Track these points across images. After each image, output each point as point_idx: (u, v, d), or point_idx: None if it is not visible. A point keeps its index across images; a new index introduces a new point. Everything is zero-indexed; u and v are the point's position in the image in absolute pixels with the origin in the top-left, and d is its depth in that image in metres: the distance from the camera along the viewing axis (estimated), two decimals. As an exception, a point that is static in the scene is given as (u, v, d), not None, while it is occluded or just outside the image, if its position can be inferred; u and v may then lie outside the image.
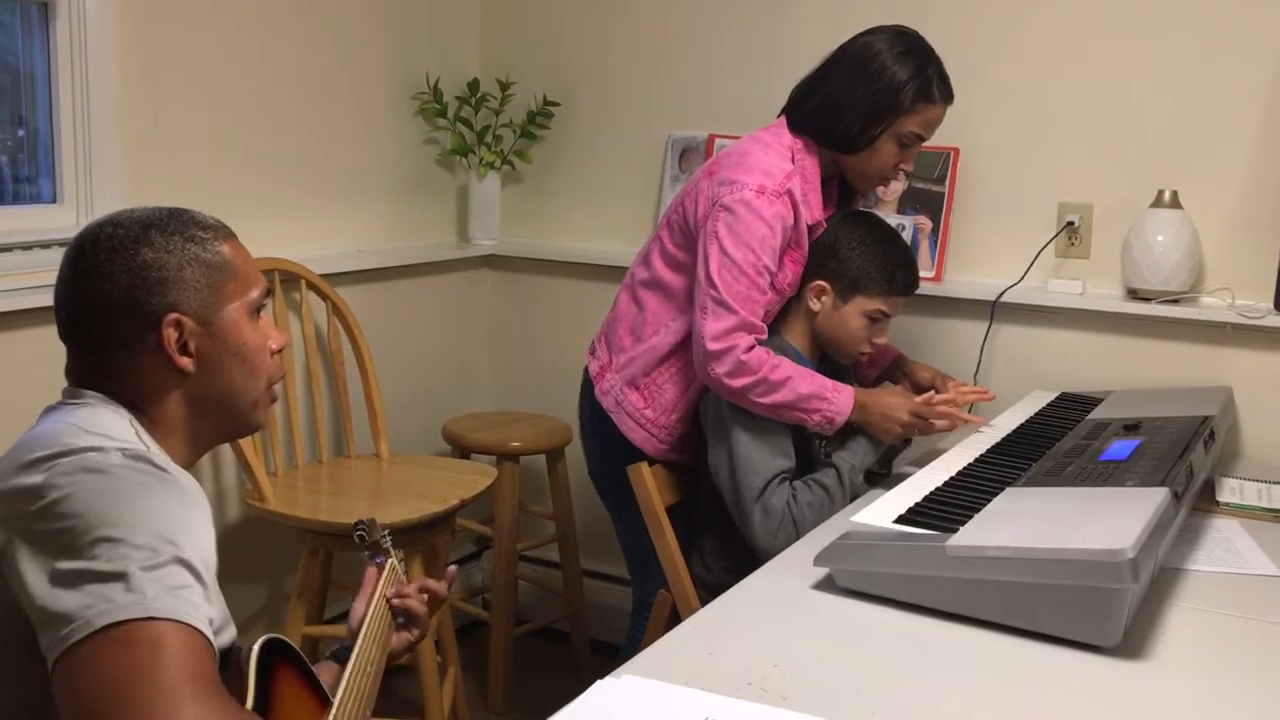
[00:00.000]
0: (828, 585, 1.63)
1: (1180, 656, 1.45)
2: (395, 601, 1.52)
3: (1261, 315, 2.36)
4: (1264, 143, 2.39)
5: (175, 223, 1.28)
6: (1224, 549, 1.83)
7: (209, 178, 2.58)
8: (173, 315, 1.24)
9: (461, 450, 2.92)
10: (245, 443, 2.40)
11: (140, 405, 1.26)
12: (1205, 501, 2.04)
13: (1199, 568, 1.75)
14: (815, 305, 2.17)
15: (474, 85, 3.18)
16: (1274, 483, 2.17)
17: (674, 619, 2.00)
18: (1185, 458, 1.81)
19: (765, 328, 2.09)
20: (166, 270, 1.25)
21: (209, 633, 1.09)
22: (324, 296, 2.74)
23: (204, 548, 1.15)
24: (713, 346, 2.03)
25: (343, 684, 1.29)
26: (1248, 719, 1.31)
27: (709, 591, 2.07)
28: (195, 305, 1.26)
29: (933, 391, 2.20)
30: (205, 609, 1.10)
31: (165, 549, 1.09)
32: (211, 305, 1.27)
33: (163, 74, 2.46)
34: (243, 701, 1.15)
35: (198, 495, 1.20)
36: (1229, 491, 2.11)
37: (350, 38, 2.90)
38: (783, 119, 2.19)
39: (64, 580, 1.07)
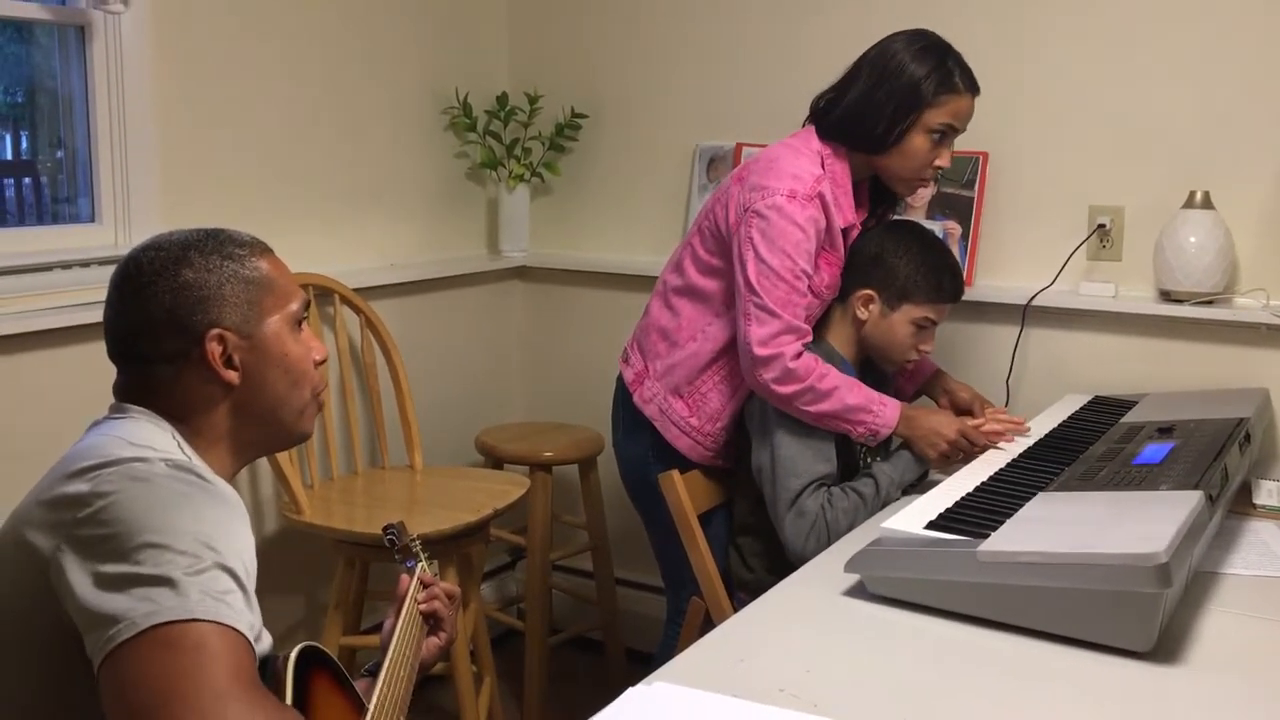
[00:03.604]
0: (859, 592, 1.63)
1: (1215, 661, 1.44)
2: (423, 606, 1.54)
3: (1297, 316, 2.34)
4: (1297, 142, 2.37)
5: (213, 242, 1.32)
6: (1260, 552, 1.82)
7: (244, 195, 2.62)
8: (215, 330, 1.29)
9: (494, 461, 2.94)
10: (281, 456, 2.43)
11: (185, 419, 1.30)
12: (1241, 504, 2.02)
13: (1235, 571, 1.74)
14: (863, 314, 2.18)
15: (503, 99, 3.21)
16: (1312, 485, 2.15)
17: (707, 626, 2.00)
18: (1220, 460, 1.80)
19: (809, 330, 2.10)
20: (207, 288, 1.29)
21: (251, 636, 1.12)
22: (357, 310, 2.77)
23: (245, 555, 1.18)
24: (760, 352, 2.04)
25: (377, 689, 1.31)
26: (1285, 723, 1.30)
27: (749, 592, 2.08)
28: (237, 320, 1.30)
29: (982, 420, 2.17)
30: (247, 614, 1.13)
31: (207, 555, 1.13)
32: (253, 319, 1.31)
33: (197, 93, 2.51)
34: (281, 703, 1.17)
35: (238, 505, 1.23)
36: (1265, 494, 2.09)
37: (381, 54, 2.93)
38: (811, 126, 2.20)
39: (110, 583, 1.10)
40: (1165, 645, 1.45)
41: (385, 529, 1.63)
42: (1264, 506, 2.03)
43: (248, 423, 1.33)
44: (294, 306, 1.36)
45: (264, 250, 1.36)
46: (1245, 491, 2.09)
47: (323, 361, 1.40)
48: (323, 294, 2.70)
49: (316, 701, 1.25)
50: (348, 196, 2.89)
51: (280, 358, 1.33)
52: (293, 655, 1.24)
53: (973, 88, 2.12)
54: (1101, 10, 2.53)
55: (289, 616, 2.80)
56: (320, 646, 1.31)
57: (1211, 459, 1.79)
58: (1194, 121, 2.46)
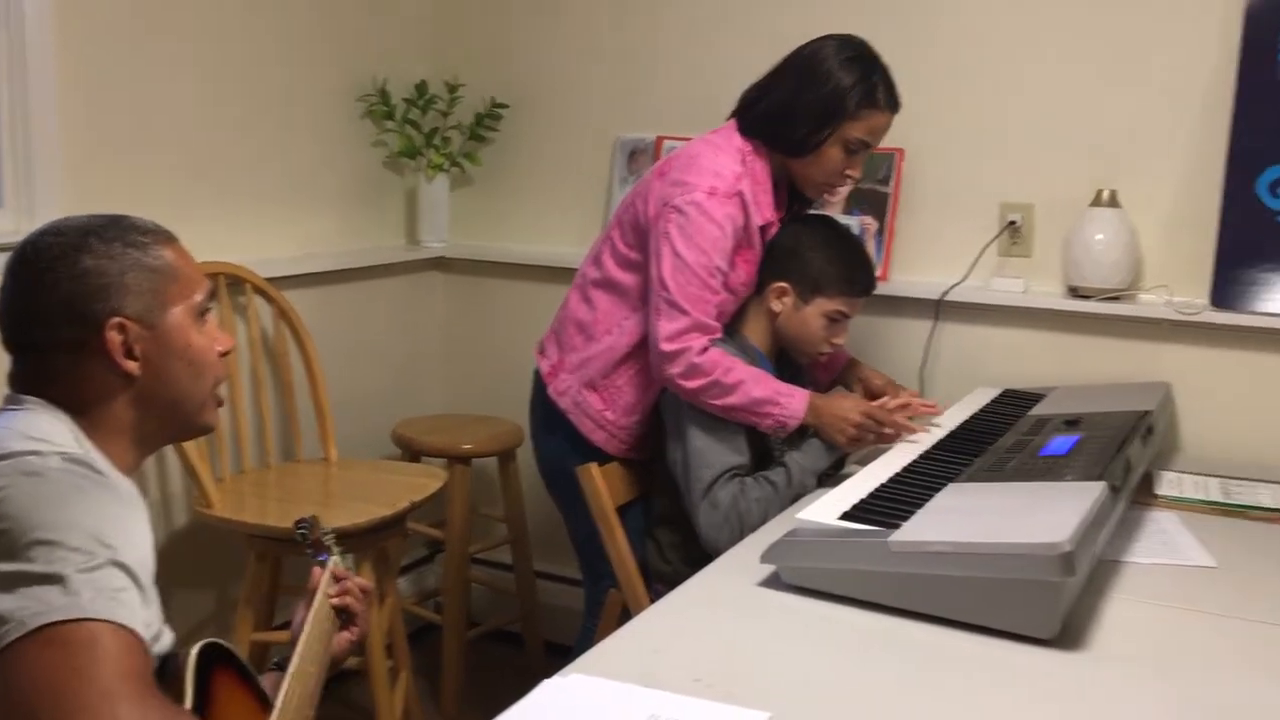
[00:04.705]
0: (774, 582, 1.64)
1: (1116, 647, 1.48)
2: (334, 601, 1.52)
3: (1198, 311, 2.41)
4: (1199, 143, 2.45)
5: (115, 229, 1.29)
6: (1161, 541, 1.87)
7: (151, 182, 2.55)
8: (116, 320, 1.25)
9: (412, 453, 2.91)
10: (191, 449, 2.38)
11: (83, 410, 1.27)
12: (1144, 495, 2.08)
13: (1136, 560, 1.78)
14: (777, 306, 2.20)
15: (422, 87, 3.17)
16: (1211, 476, 2.22)
17: (625, 617, 2.01)
18: (1123, 452, 1.85)
19: (719, 327, 2.11)
20: (108, 276, 1.25)
21: (145, 635, 1.09)
22: (270, 300, 2.72)
23: (141, 552, 1.15)
24: (666, 348, 2.05)
25: (284, 685, 1.29)
26: (1180, 708, 1.34)
27: (667, 583, 2.09)
28: (139, 309, 1.27)
29: (886, 398, 2.22)
30: (141, 612, 1.10)
31: (101, 552, 1.10)
32: (155, 309, 1.28)
33: (102, 78, 2.43)
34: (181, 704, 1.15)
35: (135, 500, 1.20)
36: (1167, 485, 2.16)
37: (295, 39, 2.88)
38: (733, 122, 2.21)
39: (0, 583, 1.07)
40: (1069, 632, 1.49)
41: (297, 523, 1.60)
42: (1165, 497, 2.09)
43: (149, 415, 1.30)
44: (198, 296, 1.33)
45: (168, 238, 1.33)
46: (1147, 482, 2.15)
47: (227, 353, 1.37)
48: (234, 283, 2.65)
49: (219, 700, 1.23)
50: (260, 184, 2.83)
51: (183, 349, 1.30)
52: (193, 653, 1.22)
53: (893, 105, 2.14)
54: (1013, 10, 2.58)
55: (199, 612, 2.74)
56: (224, 643, 1.29)
57: (1115, 451, 1.84)
58: (1102, 122, 2.53)
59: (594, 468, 2.11)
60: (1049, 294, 2.58)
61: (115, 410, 1.28)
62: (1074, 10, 2.52)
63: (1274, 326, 2.37)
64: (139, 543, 1.16)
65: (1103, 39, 2.50)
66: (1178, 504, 2.06)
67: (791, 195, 2.30)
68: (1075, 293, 2.53)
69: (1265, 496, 2.10)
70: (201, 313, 1.33)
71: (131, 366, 1.27)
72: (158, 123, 2.56)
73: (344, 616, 1.54)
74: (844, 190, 2.68)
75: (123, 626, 1.07)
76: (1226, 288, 2.41)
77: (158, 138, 2.56)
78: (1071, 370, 2.56)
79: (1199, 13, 2.42)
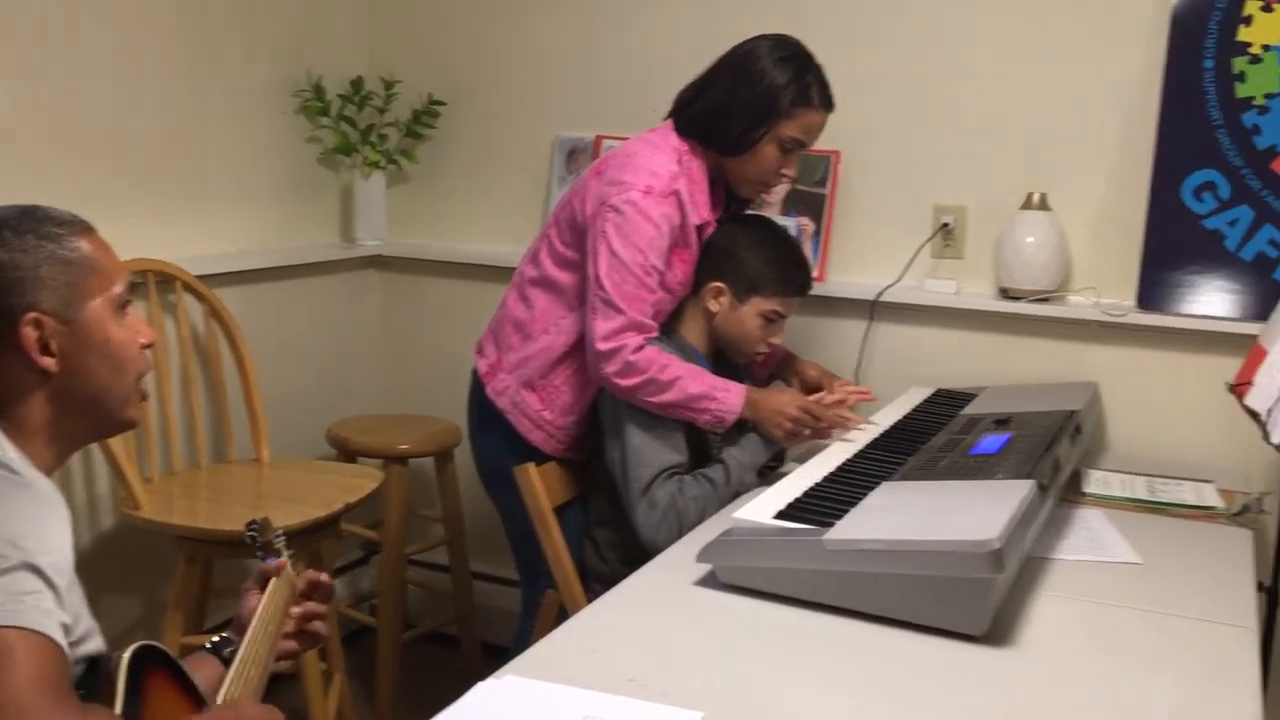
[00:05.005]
0: (710, 581, 1.65)
1: (1044, 643, 1.51)
2: (312, 626, 1.50)
3: (1124, 313, 2.46)
4: (1126, 148, 2.50)
5: (29, 220, 1.25)
6: (1088, 538, 1.91)
7: (76, 178, 2.49)
8: (31, 315, 1.22)
9: (347, 454, 2.88)
10: (119, 448, 2.33)
11: None
12: (1072, 492, 2.12)
13: (1064, 556, 1.82)
14: (713, 306, 2.20)
15: (358, 83, 3.13)
16: (1136, 474, 2.27)
17: (562, 618, 2.00)
18: (1052, 451, 1.88)
19: (655, 327, 2.12)
20: (22, 270, 1.22)
21: (61, 640, 1.07)
22: (201, 298, 2.67)
23: (56, 553, 1.12)
24: (602, 346, 2.05)
25: (225, 684, 1.27)
26: (1105, 699, 1.37)
27: (604, 583, 2.09)
28: (55, 303, 1.23)
29: (823, 392, 2.24)
30: (57, 615, 1.07)
31: (13, 554, 1.07)
32: (72, 303, 1.25)
33: (21, 70, 2.37)
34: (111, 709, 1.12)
35: (54, 500, 1.17)
36: (1094, 483, 2.20)
37: (227, 32, 2.83)
38: (670, 121, 2.21)
39: None
40: (998, 628, 1.51)
41: (248, 525, 1.57)
42: (1092, 494, 2.13)
43: (68, 412, 1.26)
44: (117, 289, 1.29)
45: (84, 228, 1.29)
46: (1075, 480, 2.19)
47: (150, 345, 1.34)
48: (164, 281, 2.60)
49: (153, 703, 1.20)
50: (191, 180, 2.78)
51: (102, 343, 1.27)
52: (126, 656, 1.19)
53: (827, 104, 2.16)
54: (949, 16, 2.61)
55: (126, 616, 2.68)
56: (160, 645, 1.26)
57: (1044, 449, 1.88)
58: (1032, 125, 2.57)
59: (531, 468, 2.10)
60: (981, 295, 2.62)
61: (32, 408, 1.24)
62: (1007, 16, 2.56)
63: (1198, 328, 2.43)
64: (56, 544, 1.13)
65: (1034, 45, 2.55)
66: (1104, 502, 2.10)
67: (729, 195, 2.31)
68: (1006, 294, 2.57)
69: (1189, 494, 2.15)
70: (122, 305, 1.30)
71: (48, 363, 1.23)
72: (83, 117, 2.50)
73: (305, 637, 1.52)
74: (781, 190, 2.71)
75: (35, 632, 1.04)
76: (1152, 290, 2.46)
77: (83, 132, 2.50)
78: (1002, 370, 2.60)
79: (1128, 20, 2.47)
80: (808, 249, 2.73)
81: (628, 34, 2.93)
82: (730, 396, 2.09)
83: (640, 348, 2.06)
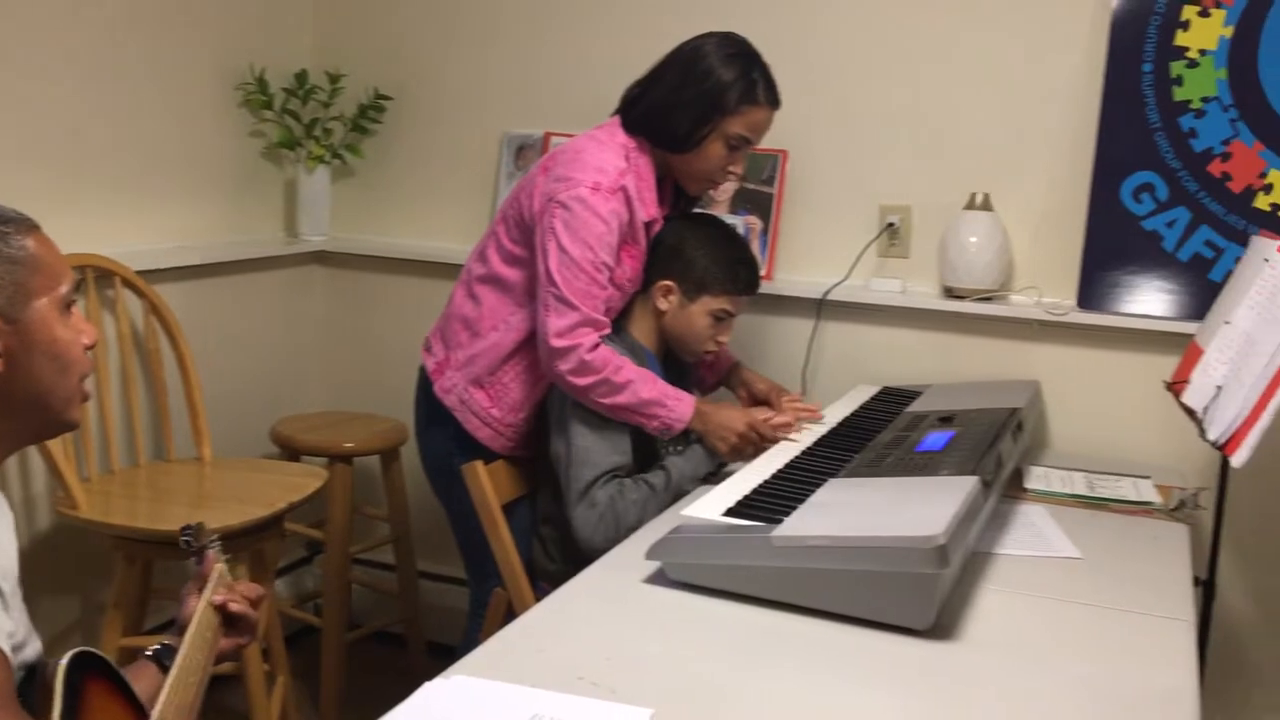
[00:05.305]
0: (659, 578, 1.65)
1: (988, 637, 1.53)
2: (234, 607, 1.47)
3: (1065, 313, 2.50)
4: (1068, 149, 2.54)
5: None
6: (1030, 533, 1.94)
7: (12, 173, 2.43)
8: None
9: (291, 453, 2.84)
10: (56, 448, 2.28)
11: None
12: (1014, 489, 2.15)
13: (1007, 551, 1.84)
14: (663, 305, 2.21)
15: (302, 76, 3.09)
16: (1077, 470, 2.31)
17: (510, 617, 1.99)
18: (995, 448, 1.91)
19: (608, 323, 2.11)
20: None
21: (6, 648, 1.04)
22: (141, 294, 2.62)
23: (2, 557, 1.09)
24: (556, 343, 2.04)
25: (163, 695, 1.24)
26: (1047, 691, 1.39)
27: (552, 582, 2.08)
28: (0, 303, 1.20)
29: (771, 412, 2.23)
30: (3, 622, 1.04)
31: None
32: (18, 302, 1.22)
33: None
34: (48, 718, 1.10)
35: (-4, 503, 1.14)
36: (1036, 479, 2.23)
37: (167, 23, 2.78)
38: (617, 118, 2.21)
39: None
40: (943, 623, 1.53)
41: (182, 529, 1.53)
42: (1034, 490, 2.17)
43: (10, 412, 1.24)
44: (63, 289, 1.27)
45: (30, 227, 1.26)
46: (1017, 476, 2.22)
47: (92, 346, 1.31)
48: (103, 276, 2.55)
49: (91, 710, 1.18)
50: (129, 173, 2.72)
51: (48, 344, 1.24)
52: (63, 663, 1.16)
53: (774, 101, 2.17)
54: (893, 16, 2.64)
55: (65, 618, 2.63)
56: (97, 652, 1.23)
57: (987, 446, 1.90)
58: (975, 126, 2.60)
59: (479, 465, 2.09)
60: (925, 294, 2.65)
61: None
62: (951, 17, 2.59)
63: (1137, 327, 2.47)
64: (0, 549, 1.10)
65: (978, 45, 2.58)
66: (1046, 497, 2.14)
67: (677, 192, 2.31)
68: (950, 293, 2.60)
69: (1128, 490, 2.19)
70: (67, 305, 1.27)
71: None
72: (18, 109, 2.44)
73: (232, 622, 1.49)
74: (729, 188, 2.72)
75: None
76: (1092, 289, 2.50)
77: (18, 123, 2.44)
78: (947, 368, 2.63)
79: (1069, 22, 2.51)
80: (756, 247, 2.74)
81: (576, 30, 2.92)
82: (681, 405, 2.10)
83: (595, 346, 2.05)
